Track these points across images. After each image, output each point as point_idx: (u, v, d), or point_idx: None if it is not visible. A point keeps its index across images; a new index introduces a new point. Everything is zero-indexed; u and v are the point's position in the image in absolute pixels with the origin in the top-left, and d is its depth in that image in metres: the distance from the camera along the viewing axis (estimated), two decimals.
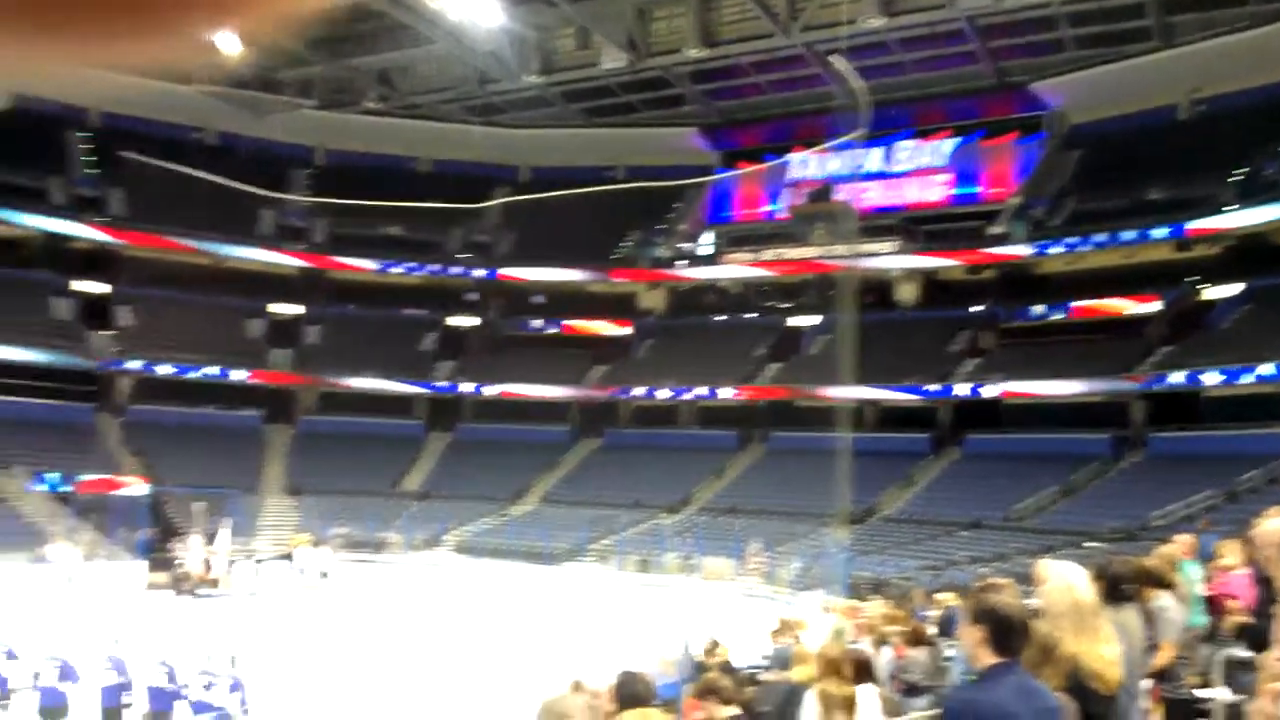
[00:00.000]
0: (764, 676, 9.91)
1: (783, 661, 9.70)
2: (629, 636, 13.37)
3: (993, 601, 3.00)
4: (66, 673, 12.72)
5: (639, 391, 46.49)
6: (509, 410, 47.64)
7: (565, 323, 50.46)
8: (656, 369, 46.49)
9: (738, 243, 48.39)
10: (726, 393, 44.55)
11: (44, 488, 36.50)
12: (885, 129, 42.16)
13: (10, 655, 13.57)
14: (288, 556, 31.22)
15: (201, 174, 34.86)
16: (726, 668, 7.77)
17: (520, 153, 51.45)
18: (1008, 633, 2.98)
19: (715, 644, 12.10)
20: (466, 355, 49.66)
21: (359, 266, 49.55)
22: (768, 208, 49.09)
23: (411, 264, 49.87)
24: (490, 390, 47.97)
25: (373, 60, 46.02)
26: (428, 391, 48.62)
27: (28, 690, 12.65)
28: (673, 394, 45.82)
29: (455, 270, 50.50)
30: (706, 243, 49.92)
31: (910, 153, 45.97)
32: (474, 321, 51.33)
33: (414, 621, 24.10)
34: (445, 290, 51.01)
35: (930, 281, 44.97)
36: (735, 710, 4.77)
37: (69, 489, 36.56)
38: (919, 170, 45.79)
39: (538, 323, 51.09)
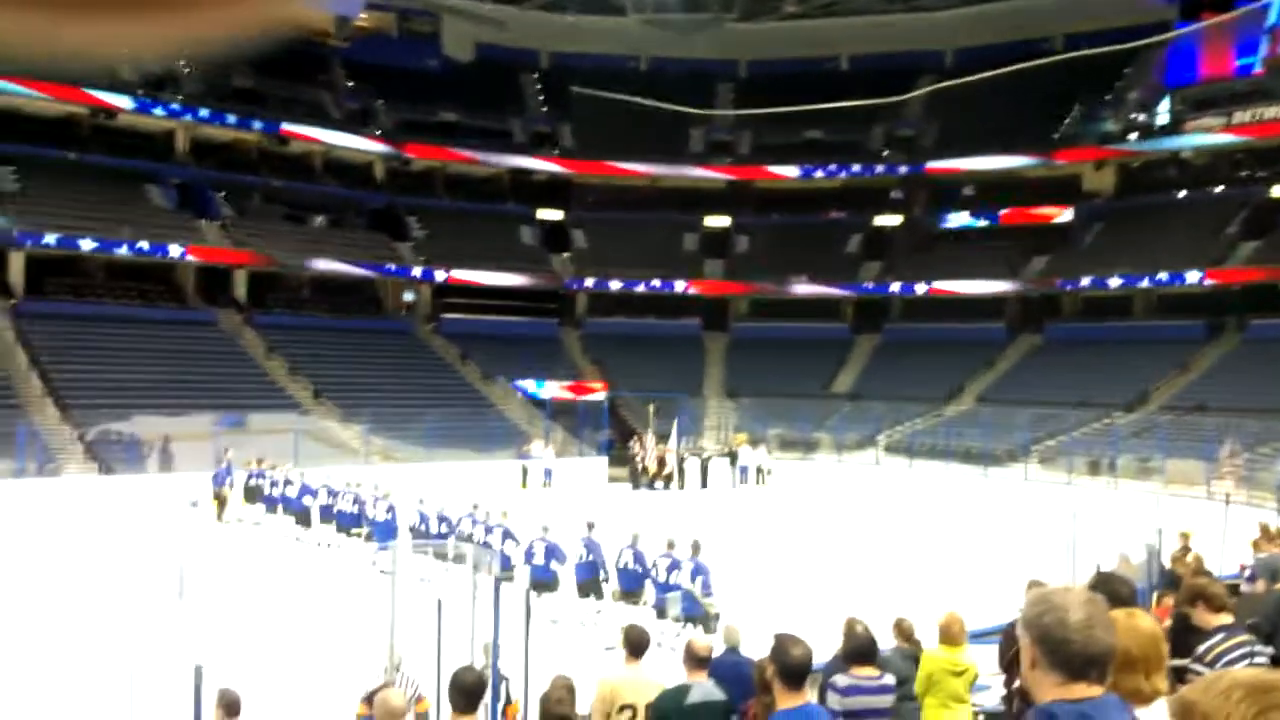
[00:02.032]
0: (1246, 588, 8.93)
1: (1271, 572, 8.67)
2: (1086, 539, 12.60)
3: None
4: (552, 552, 14.50)
5: (1085, 282, 42.93)
6: (939, 308, 46.20)
7: (1000, 213, 47.60)
8: (1105, 256, 42.54)
9: (1202, 107, 42.43)
10: (1192, 278, 39.73)
11: (523, 394, 41.65)
12: None
13: (507, 536, 15.77)
14: (731, 454, 33.08)
15: (638, 100, 37.04)
16: (1206, 574, 7.06)
17: (943, 36, 48.77)
18: None
19: (1187, 549, 11.04)
20: (893, 255, 48.73)
21: (782, 174, 50.29)
22: (1241, 62, 42.31)
23: (833, 167, 49.62)
24: (920, 289, 46.78)
25: None
26: (854, 294, 48.49)
27: (523, 567, 14.63)
28: (1124, 282, 41.74)
29: (879, 168, 49.50)
30: (1163, 111, 44.30)
31: None
32: (900, 220, 50.10)
33: (856, 517, 24.53)
34: (869, 190, 50.20)
35: None
36: (1228, 618, 4.31)
37: (545, 395, 41.36)
38: None
39: (969, 215, 48.69)
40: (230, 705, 6.50)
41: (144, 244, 38.62)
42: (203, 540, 19.04)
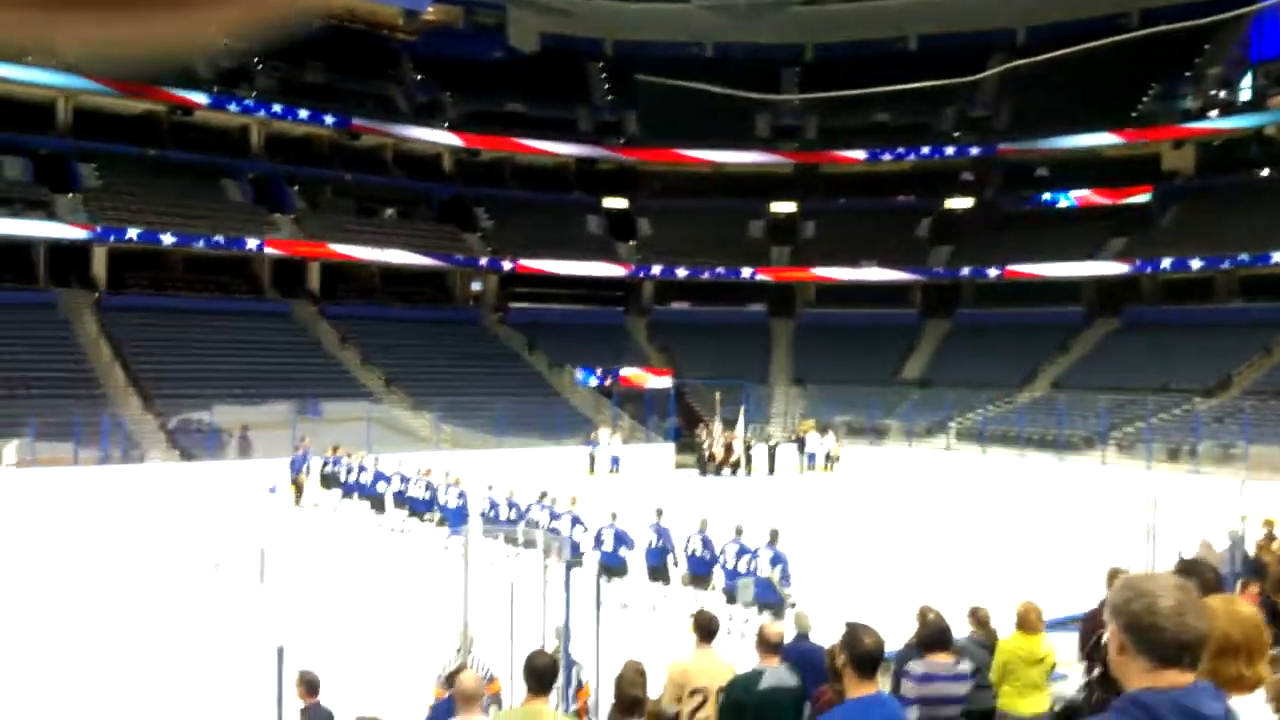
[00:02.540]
0: None
1: None
2: (1166, 527, 12.28)
3: None
4: (621, 539, 14.60)
5: (1165, 263, 41.73)
6: (1012, 292, 45.27)
7: (1075, 194, 46.48)
8: (1186, 237, 41.31)
9: None
10: (1277, 258, 38.42)
11: (591, 382, 41.84)
12: None
13: (576, 522, 15.90)
14: (798, 441, 32.90)
15: (703, 87, 36.86)
16: None
17: (1015, 13, 47.72)
18: None
19: (1272, 536, 10.72)
20: (964, 238, 47.89)
21: (849, 158, 49.73)
22: None
23: (902, 149, 48.93)
24: (992, 272, 45.91)
25: None
26: (923, 279, 47.77)
27: (592, 553, 14.75)
28: (1205, 263, 40.50)
29: (949, 150, 48.67)
30: (1245, 86, 42.84)
31: None
32: (970, 202, 49.22)
33: (928, 503, 24.24)
34: (939, 173, 49.41)
35: None
36: None
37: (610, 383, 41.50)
38: None
39: (1043, 197, 47.63)
40: (310, 685, 6.68)
41: (221, 238, 39.57)
42: (282, 525, 19.52)
